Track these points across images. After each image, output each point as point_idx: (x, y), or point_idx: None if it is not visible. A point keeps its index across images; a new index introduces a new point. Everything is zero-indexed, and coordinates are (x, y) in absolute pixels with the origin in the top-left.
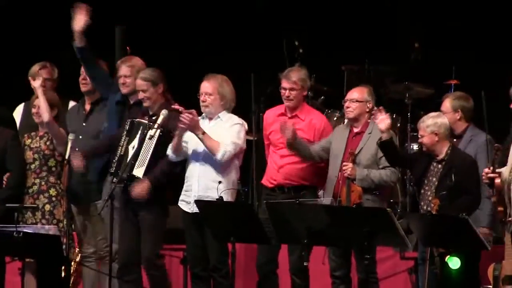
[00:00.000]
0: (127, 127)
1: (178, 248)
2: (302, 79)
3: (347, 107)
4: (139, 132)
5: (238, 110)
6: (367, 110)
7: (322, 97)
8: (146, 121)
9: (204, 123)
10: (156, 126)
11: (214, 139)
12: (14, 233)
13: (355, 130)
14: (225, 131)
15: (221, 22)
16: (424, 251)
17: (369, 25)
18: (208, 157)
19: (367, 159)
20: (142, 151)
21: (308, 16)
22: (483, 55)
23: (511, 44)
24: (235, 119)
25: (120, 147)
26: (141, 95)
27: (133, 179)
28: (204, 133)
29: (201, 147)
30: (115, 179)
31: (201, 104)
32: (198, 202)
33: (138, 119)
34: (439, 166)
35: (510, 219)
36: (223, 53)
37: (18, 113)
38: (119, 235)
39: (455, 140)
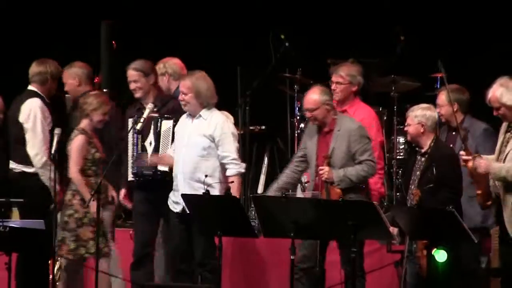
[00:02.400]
0: (133, 125)
1: None
2: (351, 75)
3: (309, 118)
4: (152, 127)
5: (224, 104)
6: (327, 108)
7: None
8: (157, 115)
9: (187, 122)
10: (142, 120)
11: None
12: (1, 227)
13: (325, 130)
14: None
15: (207, 16)
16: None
17: (355, 18)
18: (192, 157)
19: (342, 157)
20: (161, 145)
21: (294, 9)
22: (468, 48)
23: (496, 36)
24: (218, 120)
25: (134, 146)
26: (132, 86)
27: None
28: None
29: (184, 147)
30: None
31: (181, 103)
32: (184, 196)
33: (150, 114)
34: (422, 159)
35: (489, 203)
36: (209, 47)
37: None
38: (135, 228)
39: (453, 133)
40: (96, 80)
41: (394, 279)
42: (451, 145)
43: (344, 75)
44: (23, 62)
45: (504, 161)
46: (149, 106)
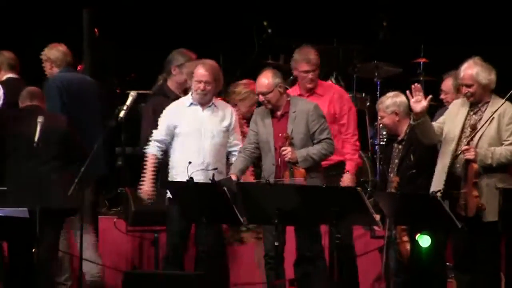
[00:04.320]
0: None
1: (149, 230)
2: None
3: (263, 101)
4: None
5: None
6: (280, 91)
7: (291, 77)
8: None
9: (197, 111)
10: (125, 107)
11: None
12: None
13: (279, 112)
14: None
15: (189, 3)
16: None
17: (337, 4)
18: (217, 146)
19: (301, 138)
20: None
21: None
22: (451, 33)
23: (478, 22)
24: (230, 109)
25: None
26: None
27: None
28: None
29: (190, 135)
30: None
31: (199, 92)
32: (169, 184)
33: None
34: (400, 146)
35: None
36: (191, 35)
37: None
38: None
39: None
40: (78, 68)
41: (378, 264)
42: None
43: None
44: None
45: (477, 145)
46: (132, 94)
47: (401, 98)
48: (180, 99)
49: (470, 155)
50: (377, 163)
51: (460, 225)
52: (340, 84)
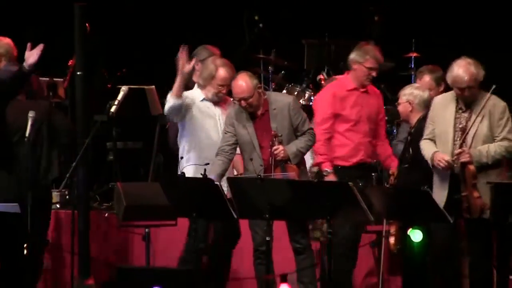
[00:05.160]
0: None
1: (140, 224)
2: None
3: (244, 107)
4: None
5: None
6: (259, 92)
7: (283, 72)
8: None
9: (212, 107)
10: (116, 102)
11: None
12: None
13: (259, 112)
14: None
15: None
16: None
17: None
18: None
19: (287, 134)
20: None
21: None
22: (442, 27)
23: (469, 16)
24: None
25: None
26: None
27: None
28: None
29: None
30: None
31: (219, 95)
32: (161, 179)
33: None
34: (409, 138)
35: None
36: (183, 28)
37: None
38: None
39: None
40: (69, 63)
41: (370, 259)
42: None
43: None
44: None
45: (471, 145)
46: (123, 89)
47: (420, 91)
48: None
49: (465, 158)
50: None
51: (452, 220)
52: (331, 78)
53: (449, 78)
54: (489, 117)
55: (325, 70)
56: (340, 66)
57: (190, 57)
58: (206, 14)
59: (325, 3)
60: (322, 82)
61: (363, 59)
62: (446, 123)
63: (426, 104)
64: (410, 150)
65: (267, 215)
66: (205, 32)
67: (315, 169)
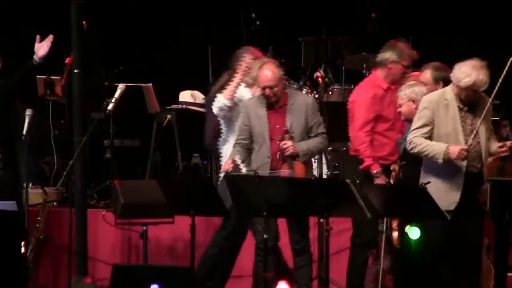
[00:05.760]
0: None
1: (138, 222)
2: None
3: (268, 95)
4: None
5: (195, 83)
6: (284, 84)
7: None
8: None
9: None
10: (113, 100)
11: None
12: None
13: (277, 104)
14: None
15: None
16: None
17: None
18: None
19: (300, 131)
20: None
21: None
22: (439, 25)
23: (466, 14)
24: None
25: None
26: None
27: None
28: None
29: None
30: None
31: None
32: (159, 179)
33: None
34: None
35: None
36: (180, 26)
37: None
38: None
39: None
40: (66, 61)
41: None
42: None
43: None
44: None
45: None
46: (120, 87)
47: (419, 87)
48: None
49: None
50: None
51: (449, 217)
52: (329, 76)
53: (468, 81)
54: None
55: (322, 67)
56: (337, 63)
57: (232, 58)
58: (203, 12)
59: (322, 1)
60: (319, 79)
61: (400, 58)
62: (454, 123)
63: None
64: None
65: (264, 213)
66: (202, 29)
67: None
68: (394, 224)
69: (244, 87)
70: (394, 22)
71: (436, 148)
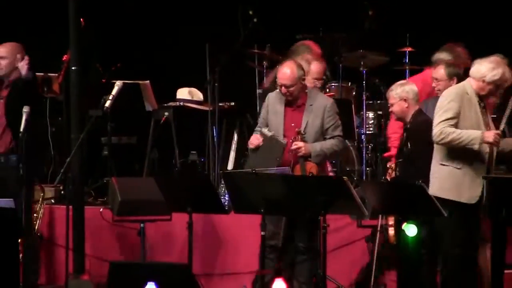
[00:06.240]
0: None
1: (135, 219)
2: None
3: (284, 93)
4: None
5: (193, 80)
6: (303, 84)
7: (277, 66)
8: None
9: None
10: (110, 97)
11: None
12: None
13: (295, 103)
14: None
15: None
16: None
17: None
18: None
19: (315, 132)
20: None
21: None
22: (436, 22)
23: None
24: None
25: None
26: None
27: None
28: None
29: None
30: None
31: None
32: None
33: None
34: (405, 134)
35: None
36: (177, 23)
37: None
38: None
39: None
40: (64, 58)
41: (364, 254)
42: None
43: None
44: None
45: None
46: (117, 84)
47: (410, 85)
48: None
49: None
50: (363, 152)
51: (446, 214)
52: (326, 73)
53: (494, 76)
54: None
55: None
56: (334, 61)
57: (288, 53)
58: (201, 9)
59: None
60: None
61: (461, 61)
62: (476, 117)
63: (418, 97)
64: (409, 145)
65: (262, 210)
66: (199, 27)
67: None
68: (391, 221)
69: None
70: (391, 19)
71: (471, 134)
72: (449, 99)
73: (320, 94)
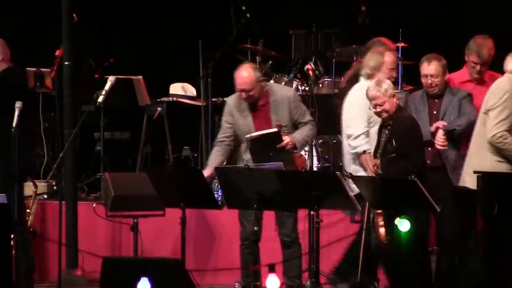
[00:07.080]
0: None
1: (128, 215)
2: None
3: (244, 98)
4: None
5: (186, 76)
6: (262, 85)
7: (270, 62)
8: None
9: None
10: (103, 93)
11: None
12: None
13: (259, 103)
14: None
15: None
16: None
17: None
18: None
19: (287, 124)
20: None
21: None
22: (429, 17)
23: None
24: None
25: None
26: None
27: None
28: None
29: None
30: None
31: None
32: (149, 171)
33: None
34: (386, 131)
35: None
36: (170, 18)
37: None
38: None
39: (436, 100)
40: (57, 53)
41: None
42: (434, 112)
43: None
44: None
45: None
46: (110, 79)
47: (388, 80)
48: None
49: None
50: None
51: (439, 209)
52: (319, 68)
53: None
54: None
55: (313, 60)
56: (327, 56)
57: (365, 48)
58: (194, 4)
59: None
60: (310, 72)
61: (468, 52)
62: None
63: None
64: (394, 142)
65: (255, 205)
66: (192, 22)
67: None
68: (380, 220)
69: (365, 80)
70: (384, 15)
71: None
72: (506, 96)
73: (278, 86)
